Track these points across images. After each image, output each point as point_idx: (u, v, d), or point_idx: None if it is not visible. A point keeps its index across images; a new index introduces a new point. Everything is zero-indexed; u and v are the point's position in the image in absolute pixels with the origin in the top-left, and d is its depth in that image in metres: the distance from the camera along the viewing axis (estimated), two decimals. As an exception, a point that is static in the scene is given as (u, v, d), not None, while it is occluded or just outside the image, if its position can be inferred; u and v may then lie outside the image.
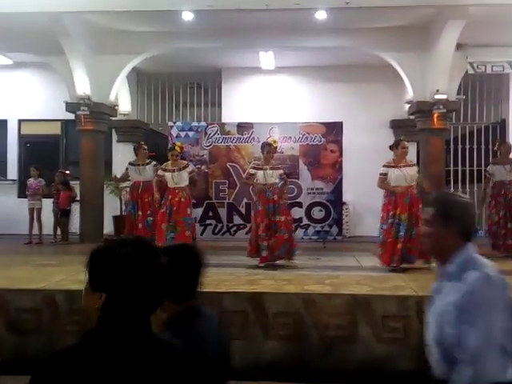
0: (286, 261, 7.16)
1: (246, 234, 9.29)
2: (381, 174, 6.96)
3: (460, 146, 11.76)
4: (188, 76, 12.08)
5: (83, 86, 9.70)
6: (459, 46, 9.14)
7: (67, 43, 9.25)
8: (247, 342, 5.01)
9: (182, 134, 9.91)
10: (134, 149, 8.63)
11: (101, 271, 1.38)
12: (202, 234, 9.28)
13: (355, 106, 11.34)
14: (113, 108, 10.41)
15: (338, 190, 9.73)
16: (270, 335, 5.01)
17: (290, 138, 9.80)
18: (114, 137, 12.09)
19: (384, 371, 4.73)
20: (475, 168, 11.58)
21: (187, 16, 8.68)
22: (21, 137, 12.32)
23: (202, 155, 9.87)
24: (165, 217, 7.24)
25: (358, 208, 11.26)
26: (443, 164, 9.76)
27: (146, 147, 8.48)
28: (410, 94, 9.88)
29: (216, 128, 9.99)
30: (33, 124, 12.21)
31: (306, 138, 9.81)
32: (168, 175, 7.36)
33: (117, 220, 10.58)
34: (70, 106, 9.92)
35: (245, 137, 9.89)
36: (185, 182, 7.41)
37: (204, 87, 12.51)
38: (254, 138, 9.83)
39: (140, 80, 12.54)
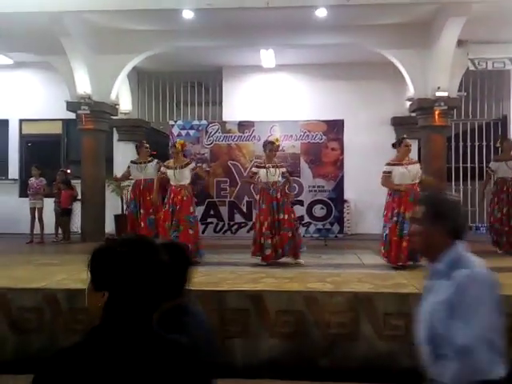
0: (291, 259, 7.13)
1: (248, 232, 9.30)
2: (385, 173, 6.93)
3: (461, 143, 11.75)
4: (189, 74, 12.08)
5: (84, 85, 9.70)
6: (460, 43, 9.12)
7: (68, 43, 9.25)
8: (249, 339, 5.01)
9: (183, 132, 9.91)
10: (136, 147, 8.62)
11: (103, 270, 1.38)
12: (203, 233, 9.26)
13: (356, 104, 11.32)
14: (114, 107, 10.40)
15: (339, 187, 9.73)
16: (272, 333, 5.01)
17: (291, 136, 9.79)
18: (115, 136, 12.10)
19: (386, 369, 4.72)
20: (477, 165, 11.57)
21: (188, 14, 8.67)
22: (22, 136, 12.33)
23: (203, 154, 9.87)
24: (167, 215, 7.23)
25: (359, 206, 11.26)
26: (444, 161, 9.74)
27: (147, 145, 8.47)
28: (410, 91, 9.86)
29: (217, 126, 9.99)
30: (34, 123, 12.22)
31: (307, 136, 9.81)
32: (170, 172, 7.35)
33: (118, 219, 10.58)
34: (71, 106, 9.92)
35: (246, 135, 9.89)
36: (186, 180, 7.38)
37: (205, 86, 12.50)
38: (255, 136, 9.83)
39: (141, 79, 12.54)
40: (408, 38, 9.40)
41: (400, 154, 6.97)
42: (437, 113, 9.22)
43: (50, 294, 5.32)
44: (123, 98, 11.60)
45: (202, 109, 12.60)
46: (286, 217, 7.08)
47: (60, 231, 10.48)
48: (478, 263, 1.97)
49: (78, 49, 9.42)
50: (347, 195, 10.36)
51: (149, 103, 12.71)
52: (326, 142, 9.79)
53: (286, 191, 7.35)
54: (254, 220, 7.82)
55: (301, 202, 9.51)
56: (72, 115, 10.16)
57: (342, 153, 9.76)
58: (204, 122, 10.50)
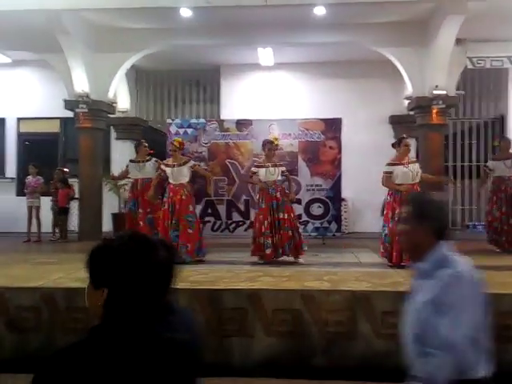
0: (294, 258, 7.10)
1: (246, 230, 9.30)
2: (386, 173, 6.90)
3: (459, 142, 11.76)
4: (187, 73, 12.07)
5: (81, 83, 9.68)
6: (458, 41, 9.12)
7: (65, 41, 9.22)
8: (246, 338, 5.01)
9: (181, 131, 9.90)
10: (135, 146, 8.60)
11: (101, 267, 1.38)
12: (201, 231, 9.27)
13: (354, 102, 11.32)
14: (111, 105, 10.38)
15: (337, 186, 9.73)
16: (269, 332, 5.00)
17: (289, 134, 9.78)
18: (113, 134, 12.08)
19: (384, 367, 4.72)
20: (474, 163, 11.59)
21: (185, 13, 8.65)
22: (19, 135, 12.32)
23: (201, 152, 9.86)
24: (166, 214, 7.21)
25: (357, 204, 11.26)
26: (442, 159, 9.76)
27: (146, 144, 8.43)
28: (409, 89, 9.87)
29: (215, 125, 9.98)
30: (31, 122, 12.20)
31: (305, 134, 9.80)
32: (168, 170, 7.33)
33: (116, 217, 10.57)
34: (69, 104, 9.90)
35: (244, 134, 9.87)
36: (185, 178, 7.36)
37: (203, 84, 12.50)
38: (253, 134, 9.82)
39: (139, 77, 12.53)
40: (406, 36, 9.40)
41: (400, 153, 6.97)
42: (435, 111, 9.23)
43: (48, 293, 5.31)
44: (121, 97, 11.58)
45: (200, 107, 12.60)
46: (287, 216, 7.05)
47: (57, 230, 10.46)
48: (463, 263, 1.99)
49: (76, 47, 9.40)
50: (345, 194, 10.37)
51: (147, 102, 12.70)
52: (324, 141, 9.78)
53: (286, 191, 7.33)
54: (252, 219, 7.81)
55: (298, 201, 9.50)
56: (70, 114, 10.15)
57: (339, 151, 9.76)
58: (202, 120, 10.49)
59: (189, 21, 8.87)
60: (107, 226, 10.38)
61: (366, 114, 11.28)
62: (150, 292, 1.39)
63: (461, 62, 9.54)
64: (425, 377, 1.86)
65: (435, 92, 9.15)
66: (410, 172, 6.80)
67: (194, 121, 10.40)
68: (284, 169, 7.40)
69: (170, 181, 7.33)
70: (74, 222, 10.51)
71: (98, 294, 1.37)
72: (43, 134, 12.30)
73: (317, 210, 9.64)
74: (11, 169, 12.24)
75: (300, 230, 7.36)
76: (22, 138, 12.34)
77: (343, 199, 10.40)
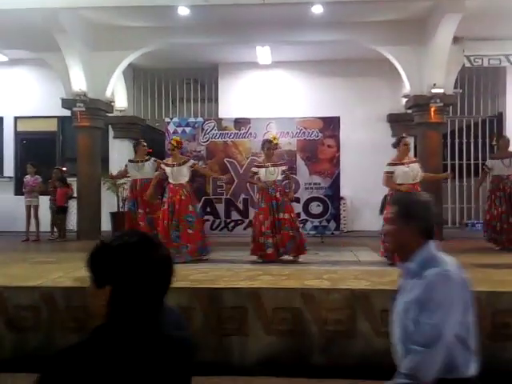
0: (293, 257, 7.10)
1: (245, 229, 9.31)
2: (387, 173, 6.90)
3: (457, 140, 11.78)
4: (184, 71, 12.06)
5: (79, 82, 9.67)
6: (456, 40, 9.13)
7: (63, 39, 9.21)
8: (246, 337, 5.01)
9: (179, 129, 9.90)
10: (134, 146, 8.57)
11: (104, 264, 1.37)
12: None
13: (352, 101, 11.33)
14: (109, 104, 10.37)
15: (335, 184, 9.75)
16: (268, 330, 5.00)
17: (288, 133, 9.80)
18: (111, 133, 12.06)
19: (383, 365, 4.73)
20: (472, 162, 11.60)
21: (183, 11, 8.65)
22: (17, 134, 12.29)
23: (199, 151, 9.87)
24: (166, 214, 7.20)
25: (355, 203, 11.27)
26: (440, 158, 9.78)
27: (145, 144, 8.37)
28: (406, 87, 9.87)
29: (213, 124, 9.98)
30: (29, 121, 12.17)
31: (304, 132, 9.81)
32: (168, 170, 7.32)
33: (114, 217, 10.56)
34: (66, 103, 9.88)
35: (242, 132, 9.88)
36: (185, 178, 7.34)
37: (201, 83, 12.48)
38: (251, 133, 9.83)
39: (136, 76, 12.51)
40: (404, 35, 9.41)
41: (400, 153, 6.98)
42: (433, 110, 9.24)
43: (47, 292, 5.30)
44: (118, 95, 11.56)
45: (198, 106, 12.59)
46: (287, 216, 7.03)
47: (55, 229, 10.45)
48: (450, 262, 2.00)
49: (73, 45, 9.38)
50: (343, 192, 10.38)
51: (144, 100, 12.68)
52: (323, 139, 9.80)
53: (286, 190, 7.32)
54: (252, 218, 7.79)
55: (297, 199, 9.51)
56: (67, 112, 10.12)
57: (338, 150, 9.78)
58: (200, 119, 10.50)
59: (186, 19, 8.87)
60: (106, 225, 10.37)
61: (364, 112, 11.29)
62: (153, 289, 1.39)
63: (458, 60, 9.56)
64: (411, 374, 1.87)
65: (433, 90, 9.16)
66: (411, 172, 6.81)
67: (192, 119, 10.41)
68: (284, 168, 7.37)
69: (170, 180, 7.32)
70: (72, 221, 10.50)
71: (101, 293, 1.37)
72: (41, 132, 12.28)
73: (315, 208, 9.65)
74: (9, 168, 12.22)
75: (300, 230, 7.35)
76: (20, 136, 12.31)
77: (342, 197, 10.41)
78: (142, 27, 9.51)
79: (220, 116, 11.39)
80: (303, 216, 9.60)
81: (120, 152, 11.49)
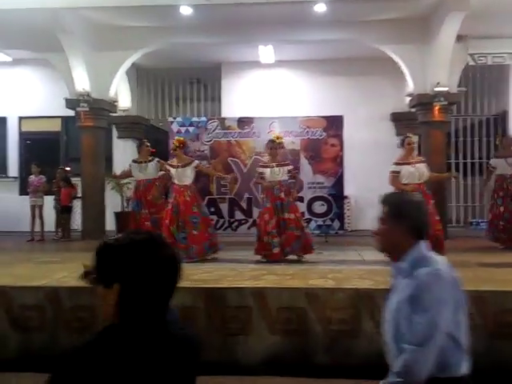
0: (297, 256, 7.09)
1: (248, 228, 9.32)
2: (393, 172, 6.90)
3: (461, 139, 11.74)
4: (187, 71, 12.06)
5: (83, 82, 9.68)
6: (460, 38, 9.10)
7: (66, 40, 9.22)
8: (251, 337, 5.01)
9: (183, 129, 9.92)
10: (137, 146, 8.57)
11: (111, 263, 1.37)
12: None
13: (355, 100, 11.30)
14: (112, 104, 10.38)
15: (339, 184, 9.75)
16: (273, 330, 5.01)
17: (291, 132, 9.80)
18: (115, 133, 12.08)
19: (387, 365, 4.73)
20: (476, 160, 11.57)
21: (186, 11, 8.65)
22: (21, 134, 12.31)
23: (203, 150, 9.88)
24: (169, 214, 7.22)
25: (359, 202, 11.24)
26: (444, 157, 9.74)
27: (148, 144, 8.34)
28: (410, 86, 9.85)
29: (216, 123, 9.99)
30: (33, 121, 12.20)
31: (307, 132, 9.81)
32: (173, 171, 7.34)
33: (119, 216, 10.57)
34: (70, 103, 9.90)
35: (245, 131, 9.89)
36: (189, 179, 7.35)
37: (204, 82, 12.49)
38: (254, 132, 9.83)
39: (139, 76, 12.52)
40: (407, 34, 9.38)
41: (405, 152, 6.98)
42: (436, 108, 9.22)
43: (52, 292, 5.32)
44: (122, 95, 11.57)
45: (201, 105, 12.59)
46: (293, 216, 7.02)
47: (59, 229, 10.47)
48: (441, 261, 2.00)
49: (77, 46, 9.40)
50: (347, 191, 10.36)
51: (148, 100, 12.70)
52: (326, 138, 9.80)
53: (291, 190, 7.31)
54: (257, 218, 7.79)
55: (301, 199, 9.51)
56: (71, 112, 10.14)
57: (341, 149, 9.77)
58: (203, 118, 10.50)
59: (189, 19, 8.87)
60: (110, 224, 10.39)
61: (368, 111, 11.26)
62: (161, 288, 1.39)
63: (462, 58, 9.53)
64: (403, 372, 1.88)
65: (437, 89, 9.14)
66: (416, 172, 6.81)
67: (195, 119, 10.42)
68: (290, 168, 7.34)
69: (174, 181, 7.34)
70: (77, 220, 10.52)
71: (110, 293, 1.36)
72: (45, 132, 12.30)
73: (319, 207, 9.65)
74: (13, 168, 12.25)
75: (306, 230, 7.34)
76: (24, 137, 12.34)
77: (346, 197, 10.40)
78: (144, 27, 9.52)
79: (223, 115, 11.39)
80: (307, 215, 9.60)
81: (124, 152, 11.51)
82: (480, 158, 11.42)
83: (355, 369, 4.74)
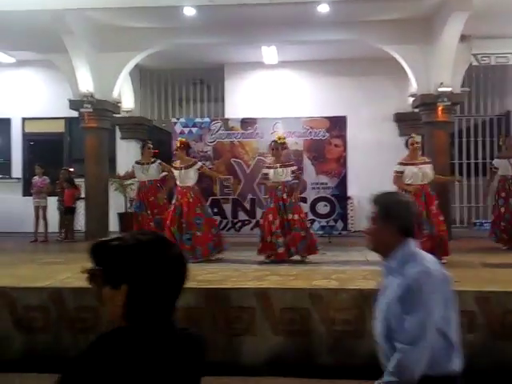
0: (301, 257, 7.08)
1: (252, 229, 9.31)
2: (397, 172, 6.89)
3: (465, 139, 11.72)
4: (191, 72, 12.07)
5: (86, 83, 9.69)
6: (463, 38, 9.07)
7: (69, 41, 9.23)
8: (254, 337, 5.01)
9: (186, 130, 9.92)
10: (141, 147, 8.58)
11: (118, 263, 1.36)
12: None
13: (359, 100, 11.29)
14: (116, 105, 10.40)
15: (342, 184, 9.73)
16: (276, 331, 5.01)
17: (294, 132, 9.78)
18: (118, 134, 12.09)
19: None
20: (480, 161, 11.54)
21: (189, 12, 8.66)
22: (25, 135, 12.34)
23: (206, 151, 9.87)
24: (170, 215, 7.23)
25: (363, 202, 11.19)
26: (448, 157, 9.73)
27: (151, 146, 8.33)
28: (413, 86, 9.83)
29: (219, 124, 9.99)
30: (36, 122, 12.22)
31: (310, 132, 9.80)
32: (176, 173, 7.35)
33: (122, 217, 10.58)
34: (74, 104, 9.92)
35: (248, 132, 9.88)
36: (192, 181, 7.36)
37: (207, 83, 12.50)
38: (257, 133, 9.82)
39: (143, 77, 12.53)
40: (410, 34, 9.37)
41: (409, 152, 6.98)
42: (440, 108, 9.19)
43: (55, 293, 5.33)
44: (125, 96, 11.59)
45: (205, 106, 12.60)
46: (297, 217, 7.03)
47: (62, 230, 10.49)
48: (430, 260, 2.03)
49: (80, 47, 9.41)
50: (350, 192, 10.35)
51: (151, 101, 12.71)
52: (329, 139, 9.78)
53: (296, 191, 7.29)
54: (260, 218, 7.79)
55: (304, 199, 9.50)
56: (74, 113, 10.15)
57: (344, 149, 9.75)
58: (206, 119, 10.50)
59: (192, 19, 8.87)
60: (113, 225, 10.40)
61: (371, 111, 11.25)
62: (169, 288, 1.39)
63: (466, 59, 9.51)
64: (396, 372, 1.89)
65: (440, 89, 9.11)
66: (420, 173, 6.79)
67: (198, 120, 10.42)
68: (294, 168, 7.34)
69: (178, 183, 7.35)
70: (80, 221, 10.53)
71: (117, 294, 1.35)
72: (48, 134, 12.33)
73: (323, 208, 9.64)
74: (17, 169, 12.28)
75: (311, 231, 7.34)
76: (28, 138, 12.36)
77: (349, 197, 10.38)
78: (148, 28, 9.53)
79: (226, 116, 11.39)
80: (310, 216, 9.58)
81: (127, 153, 11.52)
82: (484, 159, 11.39)
83: (359, 369, 4.73)
